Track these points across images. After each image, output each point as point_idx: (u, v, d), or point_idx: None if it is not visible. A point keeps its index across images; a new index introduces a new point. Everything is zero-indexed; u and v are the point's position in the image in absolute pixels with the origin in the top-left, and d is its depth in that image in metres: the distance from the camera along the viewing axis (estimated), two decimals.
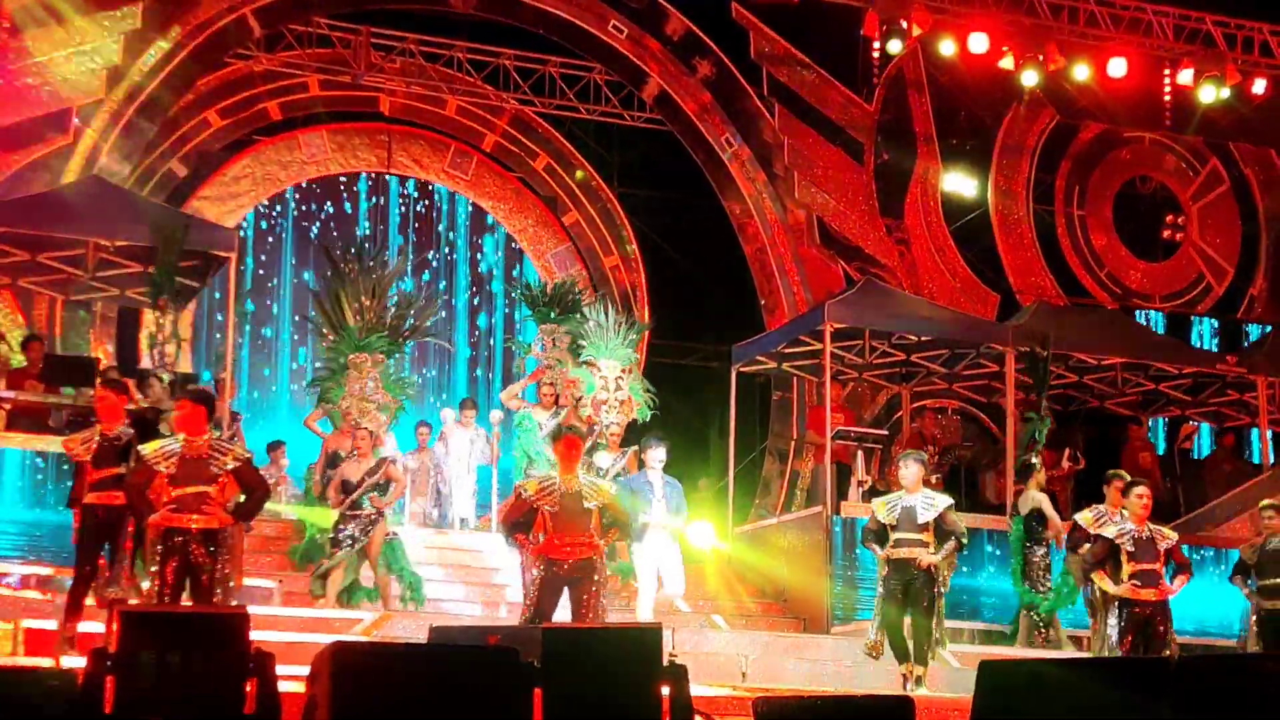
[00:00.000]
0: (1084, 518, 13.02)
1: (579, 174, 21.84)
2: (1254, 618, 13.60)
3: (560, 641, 8.52)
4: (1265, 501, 14.12)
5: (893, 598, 12.40)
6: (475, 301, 22.72)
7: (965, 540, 12.79)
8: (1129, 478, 13.10)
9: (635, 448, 14.98)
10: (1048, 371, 16.99)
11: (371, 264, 16.03)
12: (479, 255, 22.74)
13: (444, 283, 22.32)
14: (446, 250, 22.53)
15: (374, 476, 14.28)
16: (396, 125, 22.00)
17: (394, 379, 15.93)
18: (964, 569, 16.20)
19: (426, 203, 22.46)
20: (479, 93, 21.50)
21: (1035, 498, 15.59)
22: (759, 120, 21.14)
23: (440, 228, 22.53)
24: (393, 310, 15.94)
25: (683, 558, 14.11)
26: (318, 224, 21.95)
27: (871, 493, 15.17)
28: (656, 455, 13.82)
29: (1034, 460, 16.03)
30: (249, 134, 21.38)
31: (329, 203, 21.98)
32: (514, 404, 16.76)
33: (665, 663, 8.69)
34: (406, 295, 16.47)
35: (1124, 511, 12.71)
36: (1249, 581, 13.76)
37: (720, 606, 16.01)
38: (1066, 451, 17.99)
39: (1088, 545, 12.90)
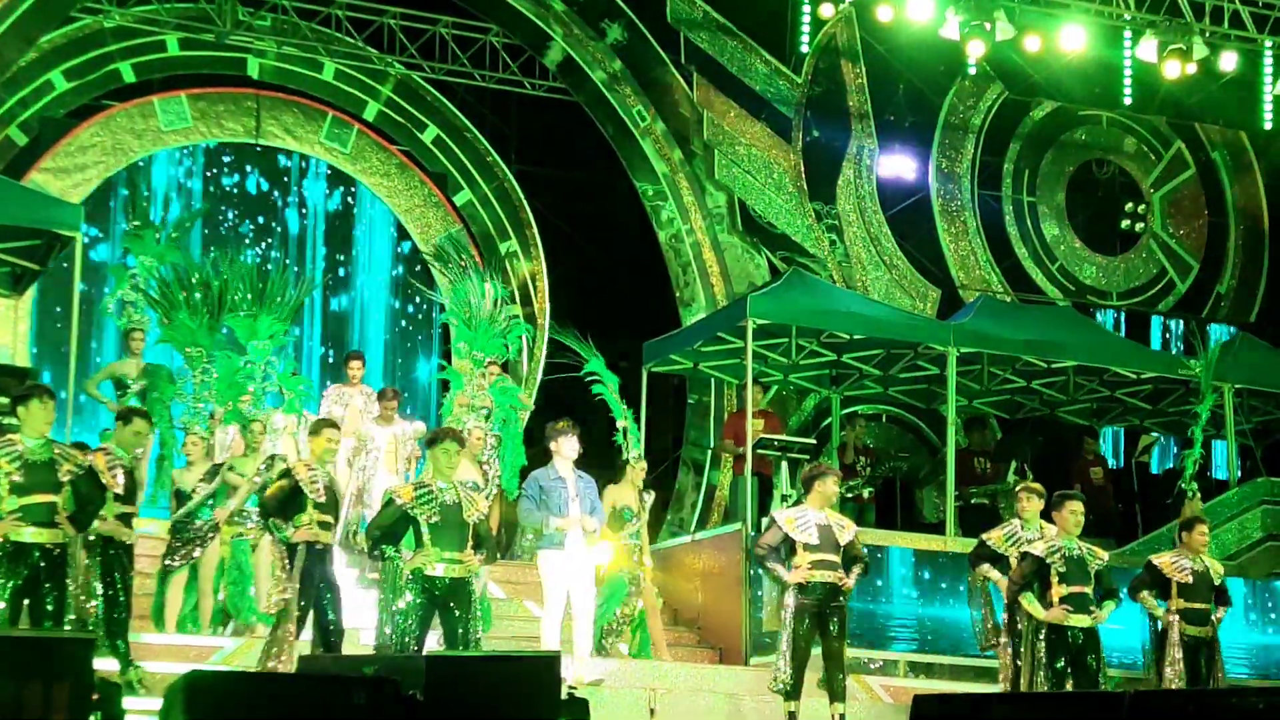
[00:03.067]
0: (993, 536, 13.22)
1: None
2: (1177, 643, 13.59)
3: (445, 671, 8.52)
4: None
5: (808, 627, 12.46)
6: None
7: (869, 565, 12.97)
8: (1032, 483, 13.38)
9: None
10: (1209, 391, 17.15)
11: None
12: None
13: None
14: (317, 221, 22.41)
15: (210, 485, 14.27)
16: (266, 90, 21.86)
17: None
18: (906, 595, 16.35)
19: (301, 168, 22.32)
20: (360, 55, 21.43)
21: None
22: (675, 91, 21.20)
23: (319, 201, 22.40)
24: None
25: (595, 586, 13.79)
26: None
27: None
28: (570, 445, 13.55)
29: (1189, 487, 16.26)
30: (98, 98, 21.17)
31: (191, 176, 21.79)
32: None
33: (564, 696, 8.72)
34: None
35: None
36: (1161, 601, 13.77)
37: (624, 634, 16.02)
38: (1012, 465, 18.14)
39: (987, 564, 13.14)
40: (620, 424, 15.59)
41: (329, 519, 11.89)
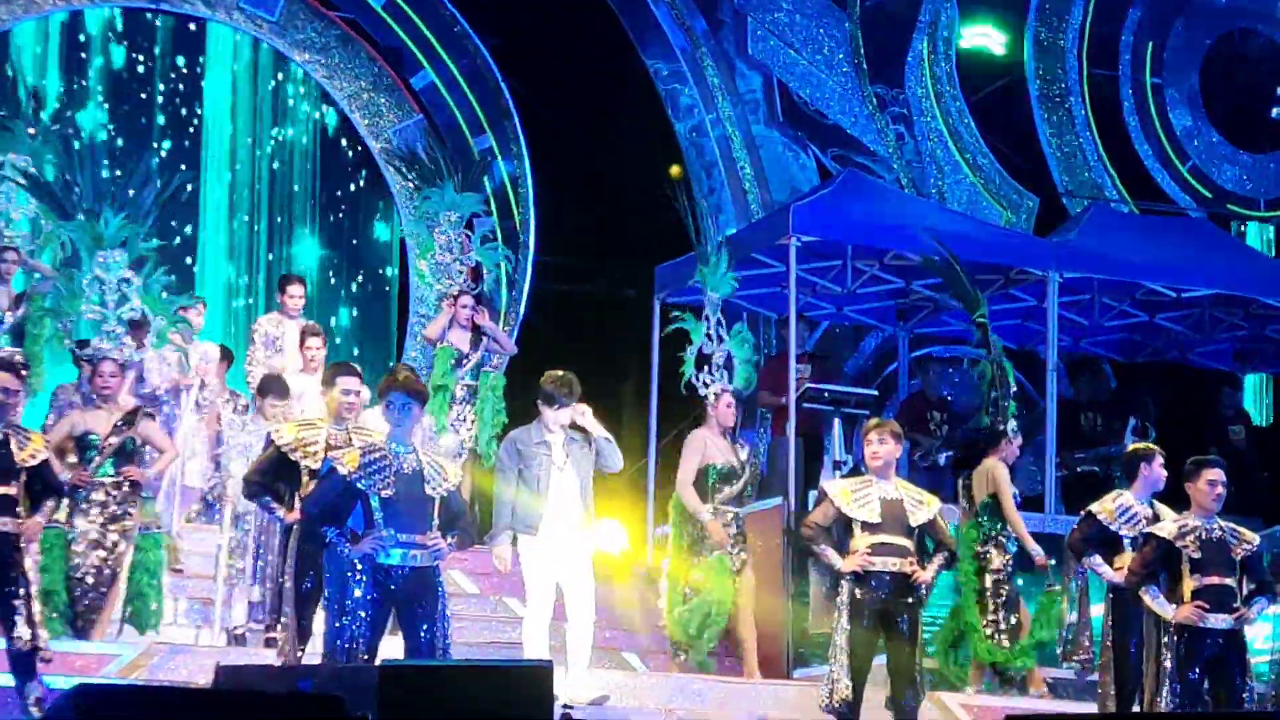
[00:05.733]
0: (1104, 508, 13.13)
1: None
2: None
3: (405, 685, 8.57)
4: None
5: (867, 628, 12.45)
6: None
7: (957, 554, 12.94)
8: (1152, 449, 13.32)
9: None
10: None
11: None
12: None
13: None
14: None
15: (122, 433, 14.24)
16: None
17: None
18: None
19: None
20: None
21: None
22: None
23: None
24: None
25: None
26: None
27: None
28: (558, 417, 13.49)
29: None
30: None
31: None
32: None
33: (558, 716, 8.73)
34: None
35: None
36: None
37: (635, 639, 16.07)
38: (1130, 423, 18.18)
39: (1098, 556, 13.04)
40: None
41: None
